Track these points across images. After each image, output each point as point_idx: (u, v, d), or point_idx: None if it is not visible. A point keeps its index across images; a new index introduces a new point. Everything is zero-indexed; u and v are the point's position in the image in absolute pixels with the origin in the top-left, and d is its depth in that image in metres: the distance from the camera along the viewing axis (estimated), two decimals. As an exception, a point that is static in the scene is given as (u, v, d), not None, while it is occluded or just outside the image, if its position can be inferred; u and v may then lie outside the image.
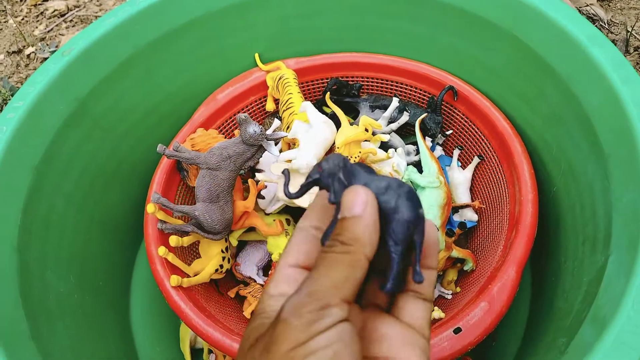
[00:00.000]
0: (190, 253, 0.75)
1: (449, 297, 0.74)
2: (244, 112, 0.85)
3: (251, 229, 0.75)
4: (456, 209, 0.80)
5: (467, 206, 0.79)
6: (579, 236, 0.65)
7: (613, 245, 0.54)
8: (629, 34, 1.22)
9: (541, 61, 0.70)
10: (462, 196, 0.80)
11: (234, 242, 0.73)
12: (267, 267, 0.80)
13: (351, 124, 0.75)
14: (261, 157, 0.71)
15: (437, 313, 0.68)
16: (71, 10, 1.44)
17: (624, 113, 0.57)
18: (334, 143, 0.70)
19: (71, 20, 1.41)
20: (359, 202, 0.27)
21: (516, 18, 0.71)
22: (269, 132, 0.78)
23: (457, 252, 0.71)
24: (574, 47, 0.65)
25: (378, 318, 0.30)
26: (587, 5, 1.28)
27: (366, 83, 0.87)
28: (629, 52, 1.20)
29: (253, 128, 0.67)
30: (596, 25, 1.26)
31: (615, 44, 1.22)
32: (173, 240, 0.66)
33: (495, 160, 0.77)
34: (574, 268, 0.63)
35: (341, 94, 0.85)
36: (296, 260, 0.29)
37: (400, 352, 0.28)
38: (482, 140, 0.79)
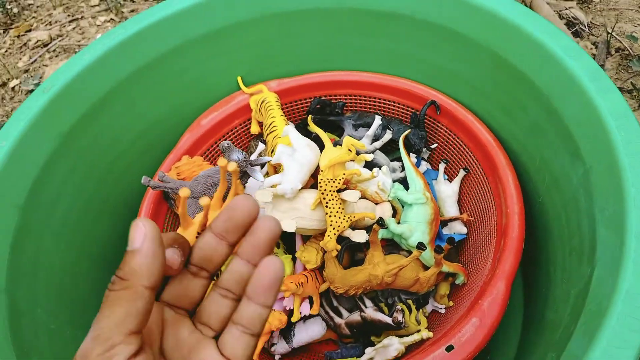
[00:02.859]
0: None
1: (443, 311, 0.74)
2: (229, 136, 0.85)
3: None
4: (445, 223, 0.81)
5: (455, 219, 0.80)
6: (565, 247, 0.65)
7: (598, 258, 0.54)
8: (609, 35, 1.22)
9: (520, 74, 0.70)
10: (450, 209, 0.80)
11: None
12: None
13: (336, 143, 0.75)
14: (246, 183, 0.71)
15: (425, 333, 0.68)
16: (54, 39, 1.44)
17: (602, 125, 0.58)
18: (318, 165, 0.70)
19: (54, 50, 1.41)
20: (138, 235, 0.26)
21: (494, 33, 0.72)
22: (253, 156, 0.78)
23: (447, 267, 0.71)
24: (550, 60, 0.66)
25: (203, 347, 0.30)
26: (567, 9, 1.29)
27: (349, 101, 0.87)
28: (610, 53, 1.21)
29: (236, 155, 0.68)
30: (577, 29, 1.27)
31: (597, 46, 1.23)
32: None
33: (480, 172, 0.77)
34: (562, 279, 0.64)
35: (325, 113, 0.85)
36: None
37: None
38: (467, 153, 0.79)
